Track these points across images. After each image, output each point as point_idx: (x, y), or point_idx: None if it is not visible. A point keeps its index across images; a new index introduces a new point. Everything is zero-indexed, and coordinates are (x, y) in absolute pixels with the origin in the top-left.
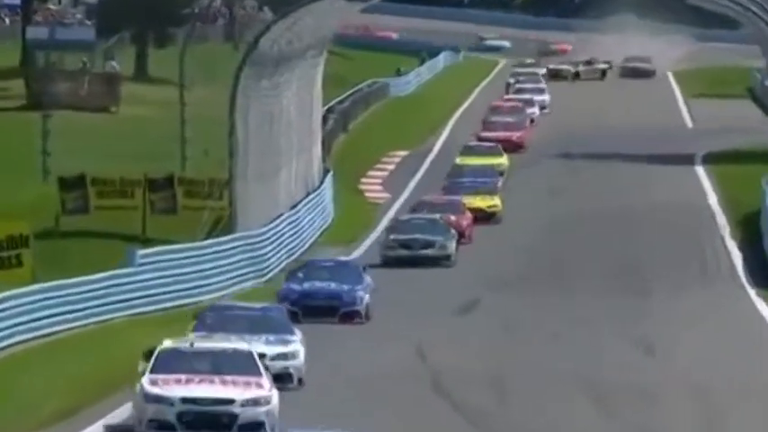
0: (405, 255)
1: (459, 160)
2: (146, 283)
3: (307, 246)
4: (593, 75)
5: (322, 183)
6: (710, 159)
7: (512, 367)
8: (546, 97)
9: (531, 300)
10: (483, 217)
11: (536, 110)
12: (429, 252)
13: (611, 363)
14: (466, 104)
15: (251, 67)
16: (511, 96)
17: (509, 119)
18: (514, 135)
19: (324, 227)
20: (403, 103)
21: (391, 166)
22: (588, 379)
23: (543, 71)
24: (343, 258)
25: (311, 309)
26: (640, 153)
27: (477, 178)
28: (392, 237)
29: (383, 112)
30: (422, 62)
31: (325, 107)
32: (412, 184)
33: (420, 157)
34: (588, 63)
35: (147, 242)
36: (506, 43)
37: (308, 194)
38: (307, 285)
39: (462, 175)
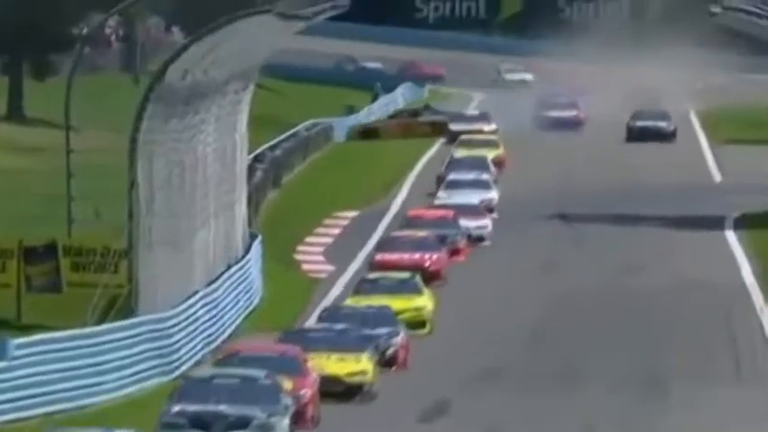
0: None
1: (350, 301)
2: (21, 382)
3: (227, 333)
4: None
5: (248, 252)
6: (744, 223)
7: None
8: (492, 195)
9: (516, 408)
10: (337, 392)
11: (484, 222)
12: None
13: None
14: (430, 153)
15: (156, 104)
16: (442, 201)
17: (422, 234)
18: (427, 259)
19: (250, 308)
20: (351, 150)
21: (336, 231)
22: None
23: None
24: None
25: None
26: (656, 215)
27: (341, 333)
28: (177, 407)
29: (326, 162)
30: (374, 98)
31: (253, 155)
32: (362, 255)
33: (373, 220)
34: (410, 115)
35: (23, 329)
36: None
37: (230, 267)
38: None
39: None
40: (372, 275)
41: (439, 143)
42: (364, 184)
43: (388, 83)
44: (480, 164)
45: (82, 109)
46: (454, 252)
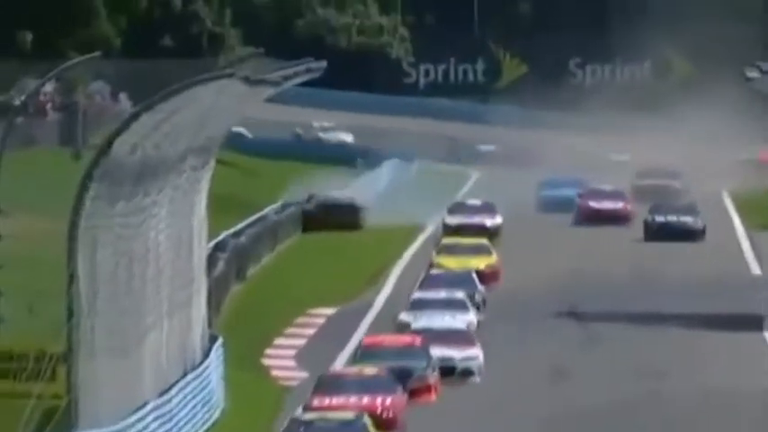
0: None
1: None
2: None
3: None
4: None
5: (207, 356)
6: None
7: None
8: (468, 318)
9: None
10: None
11: (472, 352)
12: None
13: None
14: (419, 242)
15: (101, 183)
16: (417, 326)
17: (373, 371)
18: (379, 404)
19: (209, 423)
20: (327, 237)
21: (310, 331)
22: None
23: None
24: None
25: None
26: (685, 313)
27: None
28: None
29: (298, 251)
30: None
31: (213, 243)
32: (341, 359)
33: (354, 318)
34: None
35: None
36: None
37: (186, 374)
38: None
39: None
40: (307, 416)
41: (430, 230)
42: (344, 275)
43: (371, 159)
44: (460, 279)
45: (13, 189)
46: (421, 390)
